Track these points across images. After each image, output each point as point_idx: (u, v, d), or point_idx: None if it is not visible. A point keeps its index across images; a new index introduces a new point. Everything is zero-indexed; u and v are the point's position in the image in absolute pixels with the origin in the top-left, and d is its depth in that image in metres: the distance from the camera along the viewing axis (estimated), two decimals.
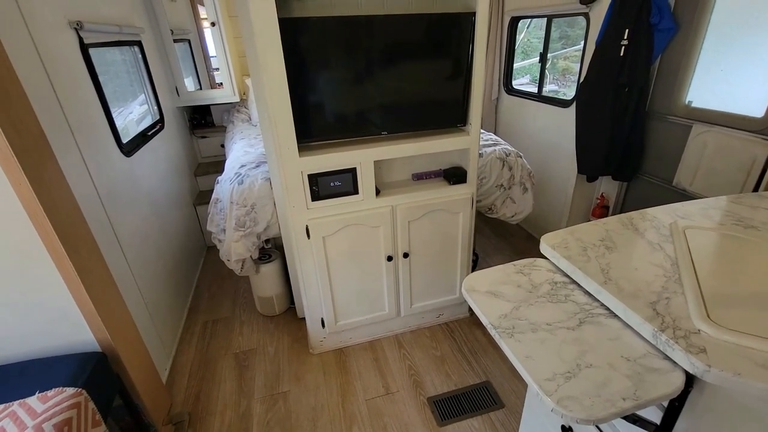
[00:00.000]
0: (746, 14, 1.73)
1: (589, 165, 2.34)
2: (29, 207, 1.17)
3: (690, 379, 0.79)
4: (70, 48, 1.62)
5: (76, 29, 1.65)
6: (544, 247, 1.13)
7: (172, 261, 2.40)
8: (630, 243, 1.11)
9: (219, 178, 2.20)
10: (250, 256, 2.10)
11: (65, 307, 1.31)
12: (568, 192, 2.69)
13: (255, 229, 2.03)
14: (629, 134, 2.16)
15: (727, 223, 1.19)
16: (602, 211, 2.54)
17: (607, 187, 2.59)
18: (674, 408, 0.82)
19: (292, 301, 2.41)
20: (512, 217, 2.46)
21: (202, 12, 3.24)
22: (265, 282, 2.31)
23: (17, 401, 1.14)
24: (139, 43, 2.43)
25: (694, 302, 0.85)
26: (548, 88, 4.00)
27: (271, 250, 2.36)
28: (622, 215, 1.27)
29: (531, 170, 2.41)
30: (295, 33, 1.48)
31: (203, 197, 3.13)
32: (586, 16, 2.37)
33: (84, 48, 1.70)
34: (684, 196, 2.02)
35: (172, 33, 2.89)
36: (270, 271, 2.28)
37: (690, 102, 1.99)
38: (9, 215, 1.16)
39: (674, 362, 0.78)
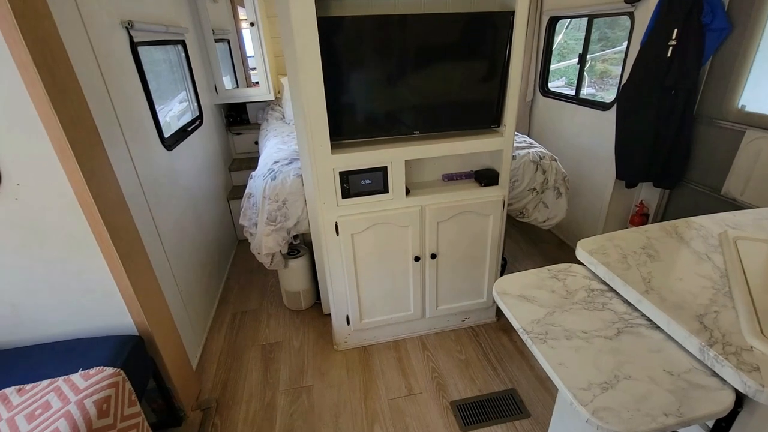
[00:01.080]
0: None
1: (629, 170, 2.24)
2: (80, 195, 1.24)
3: (740, 399, 0.74)
4: (121, 46, 1.71)
5: (127, 28, 1.74)
6: (580, 253, 1.09)
7: (206, 252, 2.48)
8: (674, 252, 1.06)
9: (253, 173, 2.26)
10: (280, 251, 2.14)
11: (108, 291, 1.39)
12: (605, 198, 2.59)
13: (285, 224, 2.07)
14: (674, 139, 2.05)
15: None
16: (641, 219, 2.43)
17: (648, 194, 2.47)
18: (721, 429, 0.77)
19: (318, 297, 2.45)
20: (544, 222, 2.39)
21: (242, 13, 3.34)
22: (293, 277, 2.35)
23: (62, 377, 1.21)
24: (182, 42, 2.54)
25: (747, 317, 0.79)
26: (585, 91, 3.87)
27: (300, 245, 2.40)
28: (665, 223, 1.21)
29: (566, 174, 2.33)
30: (332, 32, 1.50)
31: (236, 192, 3.22)
32: (631, 15, 2.27)
33: (134, 46, 1.79)
34: (733, 206, 1.90)
35: (213, 33, 3.00)
36: (298, 266, 2.32)
37: (743, 106, 1.87)
38: (62, 203, 1.24)
39: (723, 380, 0.74)
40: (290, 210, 2.04)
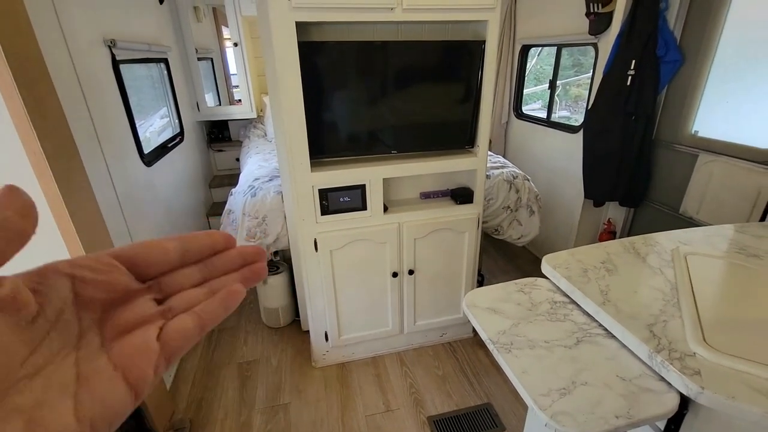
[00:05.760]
0: (751, 49, 1.78)
1: (596, 190, 2.36)
2: (56, 210, 1.24)
3: (686, 402, 0.79)
4: (103, 64, 1.73)
5: (109, 47, 1.76)
6: (545, 267, 1.15)
7: None
8: (631, 266, 1.13)
9: (233, 190, 2.28)
10: None
11: None
12: (575, 216, 2.70)
13: (265, 241, 2.08)
14: (636, 161, 2.18)
15: (729, 251, 1.20)
16: (609, 236, 2.55)
17: (615, 212, 2.60)
18: (671, 431, 0.83)
19: (297, 314, 2.44)
20: (518, 239, 2.48)
21: (226, 33, 3.41)
22: (272, 293, 2.34)
23: None
24: (165, 61, 2.57)
25: (691, 326, 0.86)
26: (560, 114, 4.07)
27: (279, 262, 2.41)
28: (624, 239, 1.29)
29: (538, 193, 2.44)
30: (313, 55, 1.56)
31: (216, 209, 3.21)
32: (595, 46, 2.44)
33: (115, 64, 1.81)
34: (690, 224, 2.02)
35: (197, 52, 3.04)
36: (277, 282, 2.32)
37: (696, 132, 2.02)
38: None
39: (669, 384, 0.80)
40: (270, 227, 2.06)
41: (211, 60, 3.53)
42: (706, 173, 1.91)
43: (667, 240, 1.29)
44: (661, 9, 1.94)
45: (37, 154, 1.16)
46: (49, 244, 1.27)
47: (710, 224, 1.90)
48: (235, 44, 3.04)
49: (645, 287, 1.03)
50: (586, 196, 2.45)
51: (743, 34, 1.81)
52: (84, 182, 1.35)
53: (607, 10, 2.18)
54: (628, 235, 2.50)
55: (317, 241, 1.81)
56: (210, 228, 3.16)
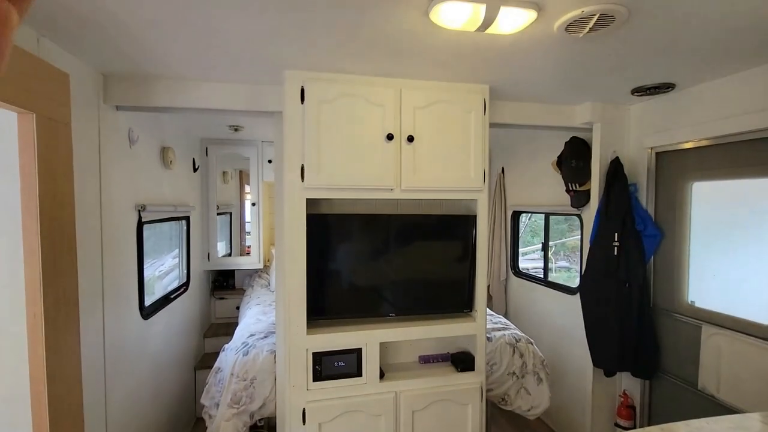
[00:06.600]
0: (722, 225, 1.90)
1: (602, 358, 2.24)
2: (34, 372, 1.19)
3: None
4: (129, 226, 1.90)
5: (139, 211, 1.97)
6: None
7: (156, 428, 2.19)
8: None
9: (226, 345, 2.21)
10: None
11: None
12: (587, 384, 2.49)
13: (249, 407, 1.91)
14: (638, 329, 2.13)
15: None
16: (628, 411, 2.30)
17: (629, 383, 2.40)
18: None
19: None
20: (528, 410, 2.25)
21: (247, 188, 3.81)
22: None
23: None
24: (187, 218, 2.81)
25: None
26: (559, 264, 4.17)
27: (262, 430, 2.16)
28: (640, 431, 1.17)
29: (544, 358, 2.32)
30: (319, 226, 1.72)
31: (207, 360, 3.04)
32: (579, 216, 2.66)
33: (140, 225, 1.99)
34: (713, 402, 1.85)
35: (218, 208, 3.35)
36: None
37: (693, 302, 2.02)
38: (12, 378, 1.18)
39: None
40: (257, 390, 1.92)
41: (230, 214, 3.86)
42: (714, 347, 1.84)
43: None
44: (632, 192, 2.18)
45: (37, 318, 1.18)
46: (12, 410, 1.18)
47: (734, 405, 1.75)
48: (253, 204, 3.37)
49: None
50: (594, 365, 2.32)
51: (712, 211, 1.96)
52: (74, 346, 1.33)
53: (583, 189, 2.46)
54: (649, 410, 2.27)
55: (306, 411, 1.66)
56: (195, 383, 2.93)
